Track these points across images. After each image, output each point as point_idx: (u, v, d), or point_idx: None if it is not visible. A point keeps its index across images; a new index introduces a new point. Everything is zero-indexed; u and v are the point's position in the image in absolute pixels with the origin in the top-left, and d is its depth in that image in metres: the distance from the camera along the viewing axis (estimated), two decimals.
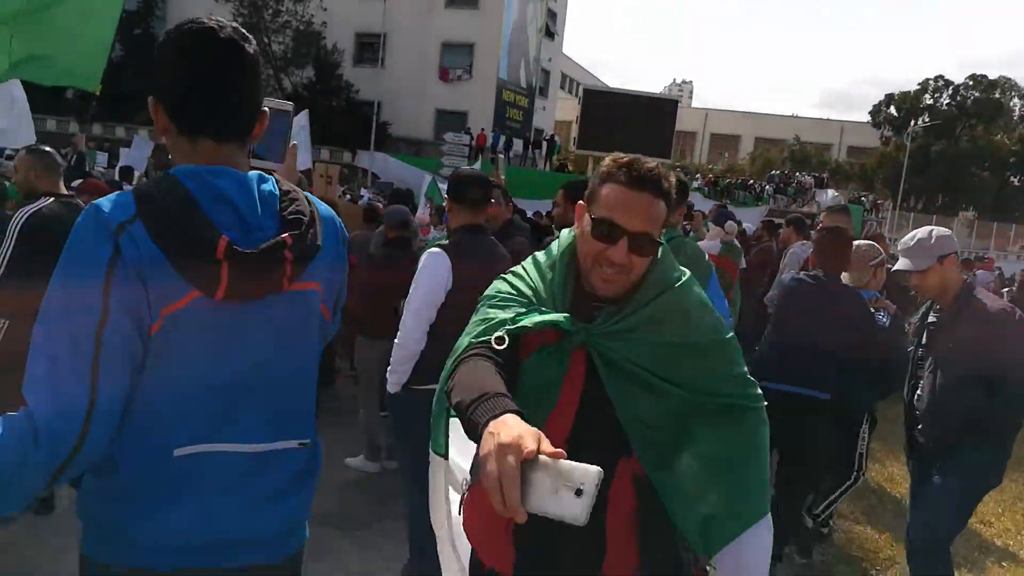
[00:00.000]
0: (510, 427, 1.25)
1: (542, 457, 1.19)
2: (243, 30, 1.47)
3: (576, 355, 1.65)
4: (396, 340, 3.17)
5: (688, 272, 1.77)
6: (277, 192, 1.48)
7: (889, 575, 4.15)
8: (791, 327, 3.98)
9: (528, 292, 1.72)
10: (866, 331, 3.84)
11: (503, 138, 32.59)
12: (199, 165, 1.41)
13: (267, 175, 1.51)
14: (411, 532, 3.33)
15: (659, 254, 1.68)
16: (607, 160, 1.67)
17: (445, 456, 1.85)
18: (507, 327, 1.62)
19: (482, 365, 1.54)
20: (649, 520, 1.65)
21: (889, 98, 54.75)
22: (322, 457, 1.62)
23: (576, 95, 44.74)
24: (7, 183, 4.73)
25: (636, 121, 31.58)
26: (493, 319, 1.67)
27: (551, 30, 41.63)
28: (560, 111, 47.55)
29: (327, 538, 3.92)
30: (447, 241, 3.25)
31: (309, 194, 1.58)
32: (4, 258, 3.61)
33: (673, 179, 1.69)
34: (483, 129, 32.01)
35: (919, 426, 3.30)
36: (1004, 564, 4.50)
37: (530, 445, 1.19)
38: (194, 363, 1.37)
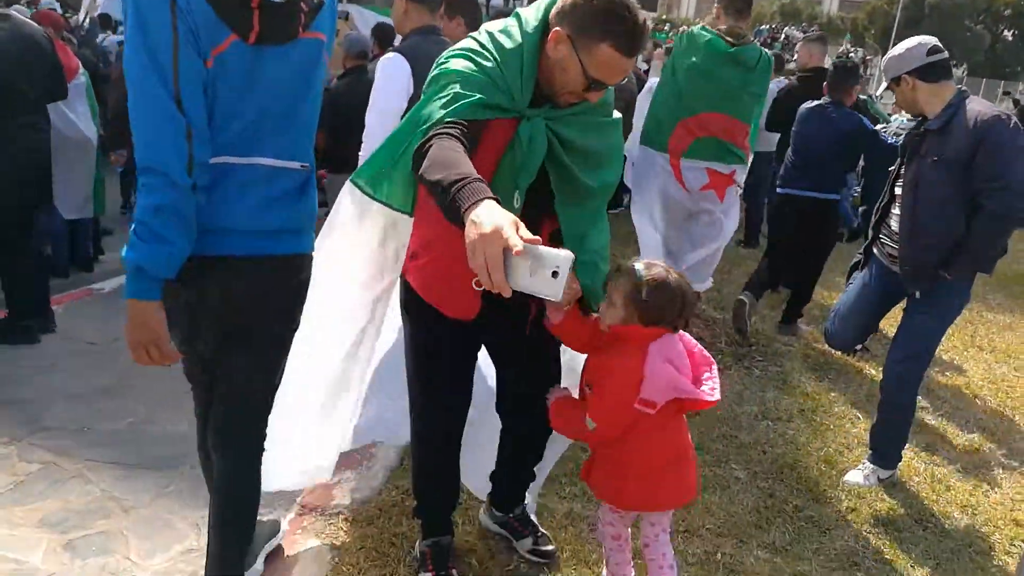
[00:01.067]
0: (492, 216, 1.40)
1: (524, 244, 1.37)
2: None
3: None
4: (360, 153, 3.16)
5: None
6: None
7: (842, 380, 4.41)
8: (806, 144, 4.83)
9: (494, 76, 1.82)
10: (865, 146, 4.78)
11: None
12: None
13: None
14: None
15: None
16: (608, 6, 1.73)
17: (409, 213, 2.06)
18: (477, 106, 1.77)
19: (457, 147, 1.66)
20: None
21: None
22: (314, 189, 1.96)
23: None
24: None
25: None
26: (466, 96, 1.77)
27: None
28: None
29: None
30: (402, 44, 3.17)
31: None
32: None
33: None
34: None
35: (893, 249, 3.18)
36: (947, 374, 4.80)
37: (510, 234, 1.36)
38: (233, 94, 1.70)
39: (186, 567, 2.42)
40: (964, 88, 3.12)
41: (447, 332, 2.09)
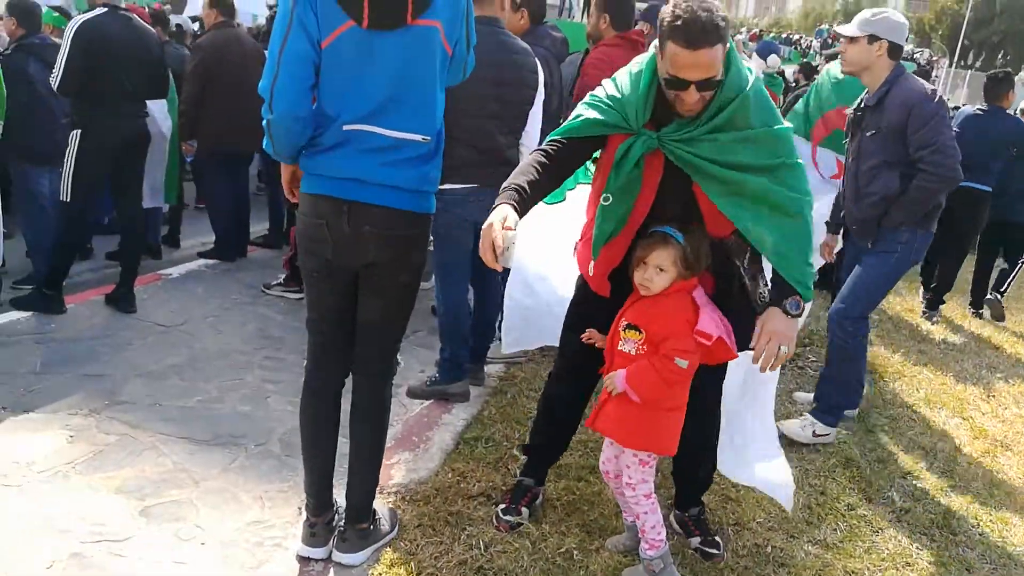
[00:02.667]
0: (494, 214, 2.01)
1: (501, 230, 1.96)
2: None
3: (654, 154, 2.15)
4: None
5: (753, 75, 2.14)
6: None
7: (874, 389, 4.35)
8: (965, 147, 5.30)
9: (618, 97, 2.18)
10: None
11: None
12: None
13: None
14: (440, 321, 3.57)
15: (729, 64, 2.05)
16: (666, 11, 1.99)
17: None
18: (578, 128, 2.24)
19: (539, 161, 2.22)
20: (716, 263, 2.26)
21: None
22: (437, 160, 2.27)
23: None
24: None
25: None
26: (578, 117, 2.25)
27: None
28: None
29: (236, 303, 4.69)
30: None
31: None
32: (61, 65, 3.85)
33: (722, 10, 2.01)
34: None
35: (845, 212, 3.63)
36: (1011, 380, 4.69)
37: (496, 229, 1.96)
38: (353, 70, 2.06)
39: (251, 537, 2.53)
40: (901, 65, 3.41)
41: (593, 307, 2.41)
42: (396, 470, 2.97)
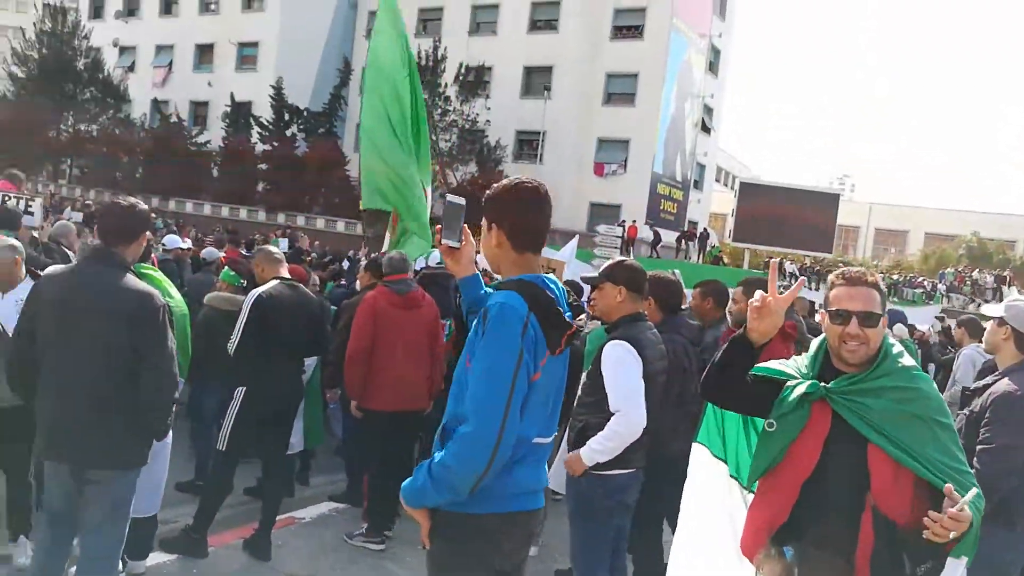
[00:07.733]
0: None
1: None
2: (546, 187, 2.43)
3: (817, 405, 2.28)
4: (615, 427, 3.35)
5: (919, 368, 2.30)
6: (563, 287, 2.47)
7: None
8: None
9: (793, 368, 2.44)
10: None
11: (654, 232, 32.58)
12: (523, 271, 2.35)
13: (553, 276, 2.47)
14: None
15: (888, 348, 2.29)
16: (829, 278, 2.42)
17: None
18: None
19: None
20: (883, 551, 2.14)
21: None
22: None
23: (731, 187, 44.28)
24: (227, 271, 5.70)
25: (794, 215, 30.83)
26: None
27: (707, 125, 41.77)
28: (715, 203, 47.25)
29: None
30: (618, 331, 3.51)
31: None
32: (239, 331, 4.35)
33: (880, 279, 2.34)
34: (634, 221, 32.34)
35: None
36: None
37: None
38: (545, 392, 2.33)
39: None
40: None
41: None
42: None
